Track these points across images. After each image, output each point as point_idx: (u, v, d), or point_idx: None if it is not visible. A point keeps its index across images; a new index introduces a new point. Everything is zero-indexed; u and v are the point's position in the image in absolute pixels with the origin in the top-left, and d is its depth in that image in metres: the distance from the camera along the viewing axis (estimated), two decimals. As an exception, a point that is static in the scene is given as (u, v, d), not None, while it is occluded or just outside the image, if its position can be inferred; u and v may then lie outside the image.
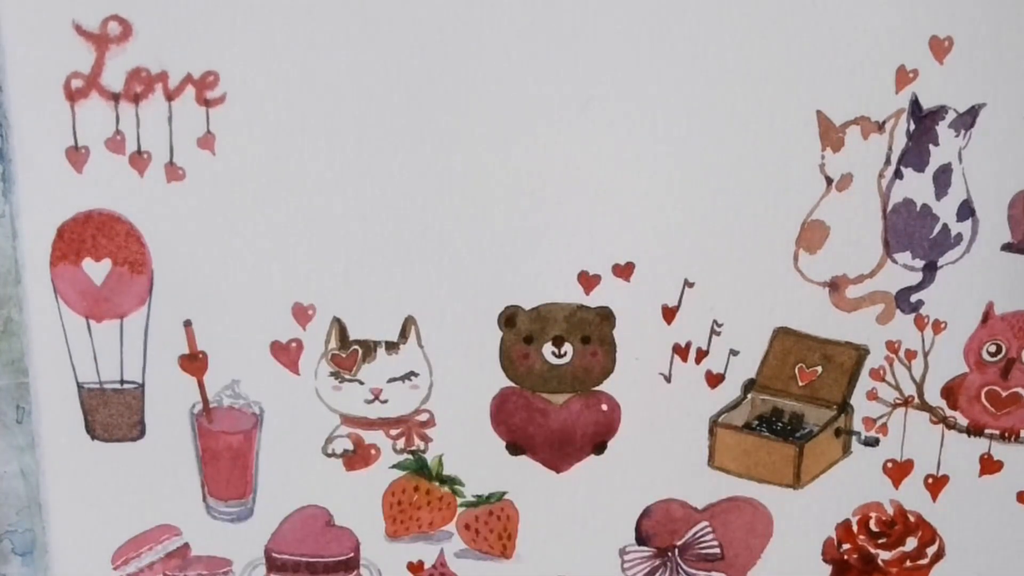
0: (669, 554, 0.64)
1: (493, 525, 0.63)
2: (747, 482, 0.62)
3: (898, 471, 0.62)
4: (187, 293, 0.57)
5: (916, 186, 0.58)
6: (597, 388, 0.60)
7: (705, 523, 0.63)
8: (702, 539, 0.63)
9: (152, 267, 0.57)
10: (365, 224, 0.57)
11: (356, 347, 0.59)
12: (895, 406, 0.61)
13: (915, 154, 0.57)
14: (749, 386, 0.61)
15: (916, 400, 0.61)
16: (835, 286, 0.59)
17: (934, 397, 0.61)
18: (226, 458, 0.60)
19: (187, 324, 0.58)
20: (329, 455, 0.61)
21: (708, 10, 0.54)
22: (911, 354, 0.60)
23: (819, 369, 0.60)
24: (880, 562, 0.64)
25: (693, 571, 0.64)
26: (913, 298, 0.59)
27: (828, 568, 0.64)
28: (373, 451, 0.61)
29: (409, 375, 0.60)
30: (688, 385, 0.60)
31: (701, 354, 0.60)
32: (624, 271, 0.58)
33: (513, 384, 0.60)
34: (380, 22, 0.54)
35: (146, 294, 0.57)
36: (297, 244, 0.57)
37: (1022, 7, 0.55)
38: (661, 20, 0.54)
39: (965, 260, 0.59)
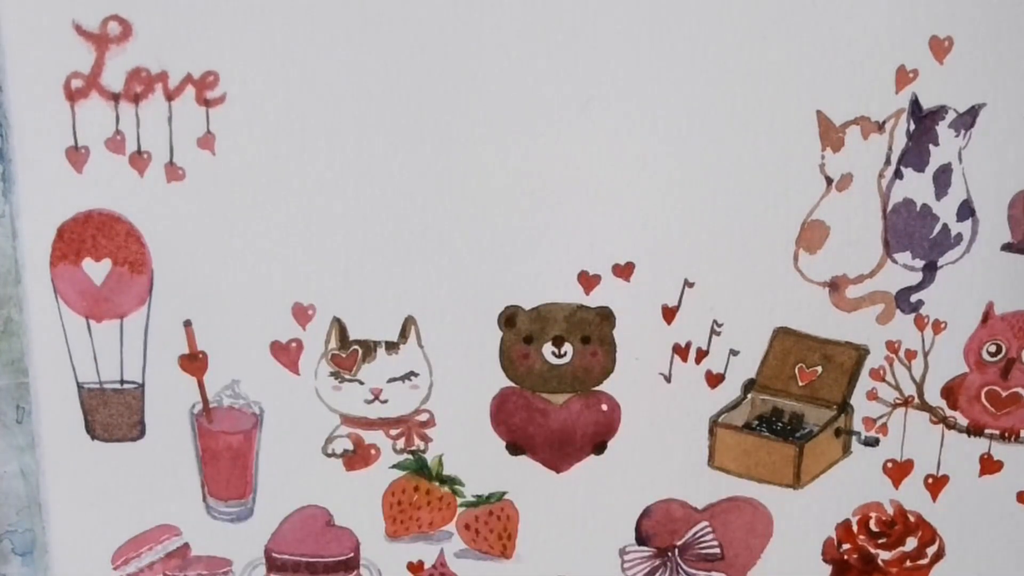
0: (669, 554, 0.64)
1: (493, 525, 0.63)
2: (747, 482, 0.62)
3: (898, 471, 0.62)
4: (187, 293, 0.57)
5: (916, 186, 0.58)
6: (597, 388, 0.60)
7: (705, 523, 0.63)
8: (702, 539, 0.63)
9: (152, 267, 0.57)
10: (365, 224, 0.57)
11: (356, 347, 0.59)
12: (895, 406, 0.61)
13: (915, 154, 0.57)
14: (749, 386, 0.61)
15: (916, 400, 0.61)
16: (835, 286, 0.59)
17: (934, 397, 0.61)
18: (226, 458, 0.60)
19: (187, 324, 0.58)
20: (329, 455, 0.61)
21: (708, 10, 0.54)
22: (911, 354, 0.60)
23: (819, 369, 0.60)
24: (880, 562, 0.64)
25: (693, 571, 0.64)
26: (913, 298, 0.59)
27: (828, 568, 0.64)
28: (373, 451, 0.61)
29: (409, 375, 0.60)
30: (688, 385, 0.60)
31: (701, 354, 0.60)
32: (624, 271, 0.58)
33: (513, 384, 0.60)
34: (380, 22, 0.54)
35: (146, 294, 0.57)
36: (297, 244, 0.57)
37: (1022, 7, 0.55)
38: (661, 20, 0.54)
39: (965, 260, 0.59)
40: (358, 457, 0.61)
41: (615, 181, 0.57)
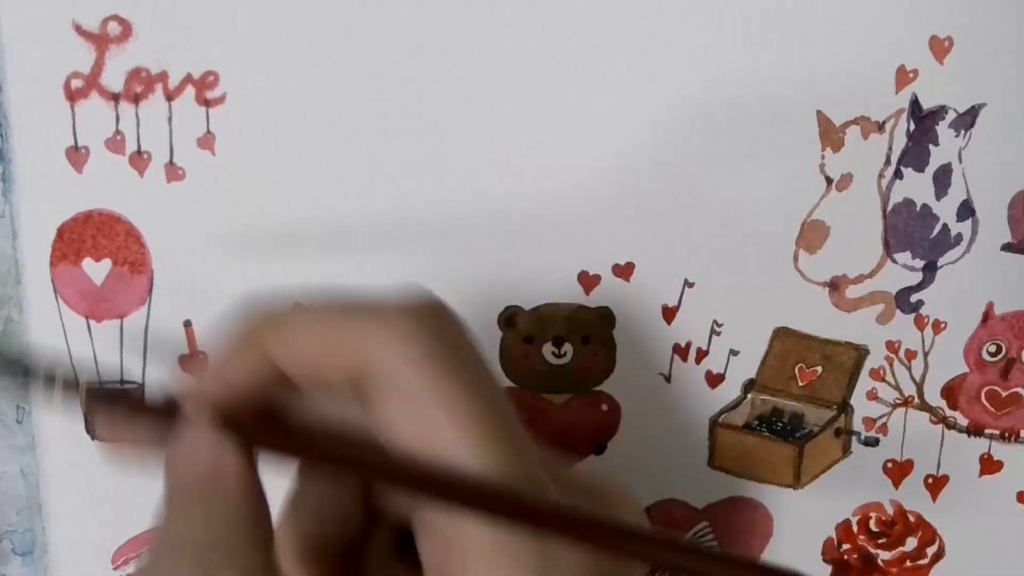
0: (669, 554, 0.64)
1: (493, 525, 0.63)
2: (747, 482, 0.62)
3: (898, 471, 0.62)
4: (187, 293, 0.57)
5: (916, 186, 0.58)
6: (597, 388, 0.60)
7: (705, 523, 0.63)
8: (702, 539, 0.63)
9: (152, 267, 0.57)
10: (365, 224, 0.57)
11: (356, 347, 0.59)
12: (895, 406, 0.61)
13: (915, 154, 0.57)
14: (749, 386, 0.61)
15: (916, 400, 0.61)
16: (835, 286, 0.59)
17: (934, 397, 0.61)
18: (226, 458, 0.60)
19: (187, 324, 0.58)
20: (329, 455, 0.61)
21: (708, 10, 0.54)
22: (911, 354, 0.60)
23: (819, 369, 0.60)
24: (880, 562, 0.64)
25: (693, 571, 0.64)
26: (913, 298, 0.59)
27: (828, 568, 0.64)
28: (373, 451, 0.61)
29: (409, 375, 0.59)
30: (688, 385, 0.60)
31: (701, 354, 0.60)
32: (624, 271, 0.58)
33: (513, 384, 0.60)
34: (380, 22, 0.54)
35: (146, 294, 0.57)
36: (297, 244, 0.57)
37: (1022, 7, 0.55)
38: (661, 19, 0.54)
39: (965, 260, 0.59)
40: (358, 457, 0.61)
41: (616, 181, 0.57)
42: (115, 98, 0.54)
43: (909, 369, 0.61)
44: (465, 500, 0.37)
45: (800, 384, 0.61)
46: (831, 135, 0.56)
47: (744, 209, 0.57)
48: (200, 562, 0.39)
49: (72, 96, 0.54)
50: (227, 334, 0.41)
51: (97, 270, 0.56)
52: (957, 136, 0.57)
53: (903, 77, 0.56)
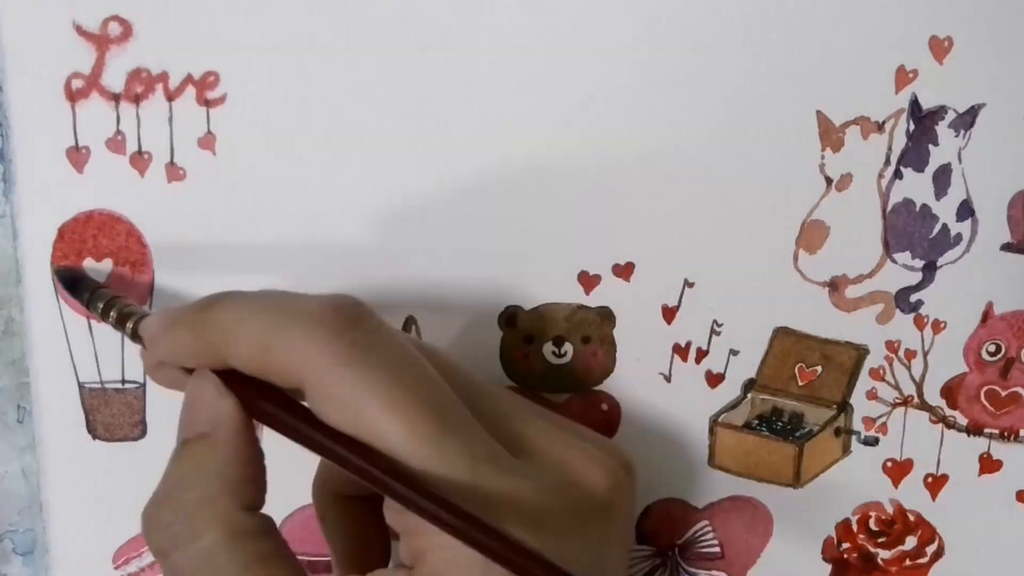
0: (669, 553, 0.64)
1: (493, 524, 0.63)
2: (747, 482, 0.62)
3: (898, 470, 0.62)
4: (187, 293, 0.57)
5: (916, 186, 0.58)
6: (597, 388, 0.60)
7: (705, 522, 0.63)
8: (702, 538, 0.63)
9: (152, 267, 0.57)
10: (365, 224, 0.57)
11: (356, 347, 0.59)
12: (895, 406, 0.61)
13: (915, 154, 0.57)
14: (749, 386, 0.61)
15: (916, 400, 0.61)
16: (835, 286, 0.59)
17: (934, 397, 0.61)
18: (227, 458, 0.60)
19: (188, 324, 0.58)
20: (329, 455, 0.61)
21: (707, 10, 0.54)
22: (911, 354, 0.60)
23: (819, 369, 0.60)
24: (880, 561, 0.64)
25: (693, 570, 0.64)
26: (913, 298, 0.59)
27: (828, 567, 0.64)
28: (373, 451, 0.61)
29: (409, 375, 0.59)
30: (688, 385, 0.60)
31: (701, 354, 0.60)
32: (624, 271, 0.58)
33: (513, 384, 0.60)
34: (380, 22, 0.54)
35: (146, 294, 0.57)
36: (297, 244, 0.57)
37: (1022, 7, 0.55)
38: (661, 19, 0.54)
39: (965, 260, 0.59)
40: (358, 457, 0.61)
41: (615, 180, 0.57)
42: (116, 98, 0.54)
43: (909, 369, 0.61)
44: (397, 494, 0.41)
45: (800, 384, 0.61)
46: (831, 135, 0.56)
47: (744, 209, 0.57)
48: (182, 505, 0.45)
49: (73, 96, 0.54)
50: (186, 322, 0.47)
51: (98, 270, 0.56)
52: (957, 136, 0.57)
53: (903, 77, 0.56)
